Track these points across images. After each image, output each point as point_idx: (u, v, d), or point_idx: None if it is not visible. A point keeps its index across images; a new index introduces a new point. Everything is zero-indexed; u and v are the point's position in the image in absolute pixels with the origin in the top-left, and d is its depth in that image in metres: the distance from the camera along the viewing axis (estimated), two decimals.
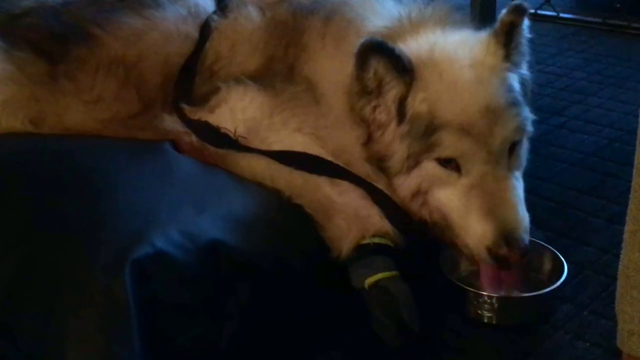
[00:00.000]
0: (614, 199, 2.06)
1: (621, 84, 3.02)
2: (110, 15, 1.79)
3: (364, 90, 1.51)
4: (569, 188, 2.16)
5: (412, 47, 1.53)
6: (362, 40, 1.48)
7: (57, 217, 1.39)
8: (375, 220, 1.52)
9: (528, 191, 1.53)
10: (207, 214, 1.43)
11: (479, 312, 1.57)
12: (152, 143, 1.65)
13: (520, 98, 1.52)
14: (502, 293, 1.56)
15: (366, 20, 1.65)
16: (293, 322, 1.48)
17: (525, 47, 1.59)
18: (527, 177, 1.57)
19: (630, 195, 1.21)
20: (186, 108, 1.69)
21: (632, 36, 3.67)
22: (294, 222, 1.53)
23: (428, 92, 1.47)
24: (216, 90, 1.69)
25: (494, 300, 1.56)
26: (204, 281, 1.35)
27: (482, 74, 1.48)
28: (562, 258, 1.66)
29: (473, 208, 1.45)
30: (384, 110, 1.52)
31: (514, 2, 1.54)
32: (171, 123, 1.68)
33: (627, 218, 1.23)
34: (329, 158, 1.59)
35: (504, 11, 1.54)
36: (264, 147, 1.61)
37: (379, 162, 1.55)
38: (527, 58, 1.61)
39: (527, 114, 1.53)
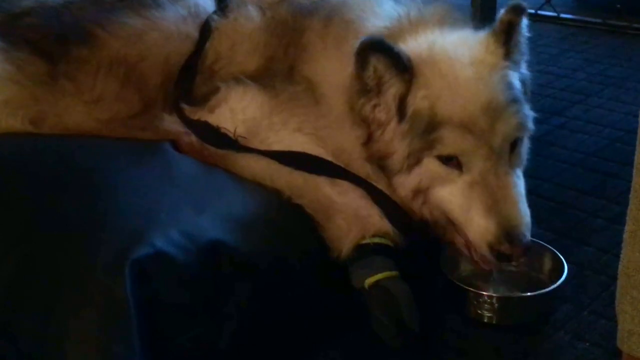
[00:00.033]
0: (614, 199, 2.06)
1: (622, 84, 3.03)
2: (111, 15, 1.78)
3: (363, 88, 1.51)
4: (570, 188, 2.16)
5: (412, 46, 1.54)
6: (361, 38, 1.48)
7: (57, 217, 1.38)
8: (375, 220, 1.52)
9: (528, 191, 1.53)
10: (207, 214, 1.43)
11: (479, 312, 1.57)
12: (152, 143, 1.65)
13: (520, 95, 1.52)
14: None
15: (365, 21, 1.65)
16: (293, 322, 1.48)
17: (524, 46, 1.60)
18: (528, 177, 1.57)
19: (631, 195, 1.21)
20: (186, 108, 1.69)
21: (633, 36, 3.68)
22: (294, 222, 1.53)
23: (429, 90, 1.47)
24: (216, 90, 1.69)
25: (494, 300, 1.56)
26: (204, 281, 1.35)
27: (482, 71, 1.49)
28: (562, 258, 1.66)
29: (475, 205, 1.45)
30: (384, 108, 1.52)
31: (512, 2, 1.54)
32: (171, 123, 1.68)
33: (627, 218, 1.23)
34: (329, 158, 1.59)
35: (502, 10, 1.55)
36: (264, 147, 1.61)
37: (380, 161, 1.55)
38: (526, 57, 1.62)
39: (528, 111, 1.53)
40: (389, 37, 1.55)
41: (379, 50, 1.46)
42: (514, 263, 1.56)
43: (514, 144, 1.50)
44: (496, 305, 1.56)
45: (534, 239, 1.51)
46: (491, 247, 1.43)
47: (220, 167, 1.63)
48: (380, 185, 1.57)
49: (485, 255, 1.46)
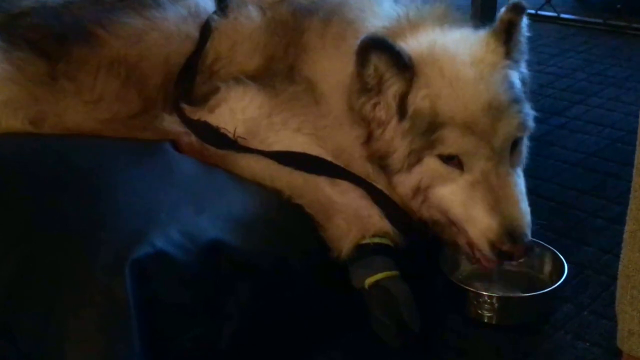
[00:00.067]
0: (615, 199, 2.06)
1: (622, 84, 3.03)
2: (111, 15, 1.78)
3: (364, 87, 1.51)
4: (570, 188, 2.16)
5: (413, 44, 1.53)
6: (362, 37, 1.48)
7: (57, 217, 1.38)
8: (375, 220, 1.52)
9: (529, 191, 1.53)
10: (207, 214, 1.43)
11: (479, 312, 1.57)
12: (152, 143, 1.65)
13: (521, 95, 1.52)
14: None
15: (365, 21, 1.64)
16: (293, 322, 1.48)
17: (524, 45, 1.60)
18: (528, 177, 1.56)
19: (631, 195, 1.21)
20: (186, 108, 1.69)
21: (633, 37, 3.67)
22: (294, 222, 1.53)
23: (430, 89, 1.47)
24: (216, 90, 1.69)
25: (494, 300, 1.56)
26: (204, 281, 1.35)
27: (483, 71, 1.49)
28: (562, 258, 1.66)
29: (476, 204, 1.45)
30: (385, 107, 1.52)
31: (512, 1, 1.54)
32: (171, 123, 1.68)
33: (627, 218, 1.23)
34: (329, 158, 1.59)
35: (503, 9, 1.55)
36: (263, 148, 1.61)
37: (380, 160, 1.54)
38: (526, 56, 1.61)
39: (529, 111, 1.53)
40: (389, 37, 1.55)
41: (380, 49, 1.46)
42: (514, 262, 1.56)
43: (515, 144, 1.50)
44: (496, 305, 1.56)
45: (534, 239, 1.51)
46: (493, 245, 1.43)
47: (220, 167, 1.63)
48: (380, 185, 1.56)
49: (486, 254, 1.46)
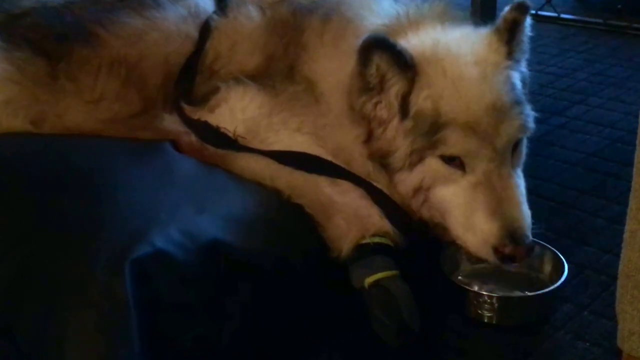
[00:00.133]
0: (615, 199, 2.06)
1: (622, 84, 3.02)
2: (111, 15, 1.78)
3: (365, 86, 1.51)
4: (570, 188, 2.16)
5: (414, 43, 1.53)
6: (364, 36, 1.48)
7: (57, 217, 1.38)
8: (375, 220, 1.52)
9: (529, 191, 1.53)
10: (208, 214, 1.43)
11: (479, 312, 1.57)
12: (152, 143, 1.65)
13: (522, 96, 1.52)
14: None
15: (364, 19, 1.64)
16: (293, 322, 1.48)
17: (526, 45, 1.60)
18: (528, 177, 1.57)
19: (631, 195, 1.21)
20: (186, 108, 1.69)
21: (633, 37, 3.67)
22: (294, 222, 1.53)
23: (432, 89, 1.47)
24: (216, 90, 1.69)
25: (494, 300, 1.56)
26: (204, 281, 1.35)
27: (486, 71, 1.49)
28: (562, 258, 1.66)
29: (478, 206, 1.45)
30: (386, 106, 1.52)
31: (516, 0, 1.54)
32: (171, 123, 1.68)
33: (627, 218, 1.23)
34: (329, 158, 1.59)
35: (506, 8, 1.54)
36: (263, 147, 1.61)
37: (381, 159, 1.54)
38: (526, 56, 1.61)
39: (530, 112, 1.53)
40: (389, 35, 1.55)
41: (382, 48, 1.46)
42: (515, 264, 1.56)
43: (516, 144, 1.51)
44: (496, 305, 1.56)
45: (535, 239, 1.51)
46: (496, 249, 1.43)
47: (220, 166, 1.63)
48: (381, 184, 1.56)
49: (489, 260, 1.46)
